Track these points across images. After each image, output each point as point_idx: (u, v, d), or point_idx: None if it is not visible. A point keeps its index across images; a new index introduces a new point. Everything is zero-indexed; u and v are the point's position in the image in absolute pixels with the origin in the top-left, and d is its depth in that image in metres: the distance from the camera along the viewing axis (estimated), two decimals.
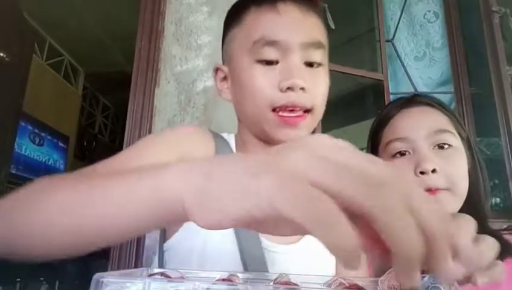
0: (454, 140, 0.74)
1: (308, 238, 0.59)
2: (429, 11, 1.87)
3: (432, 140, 0.73)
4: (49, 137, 4.28)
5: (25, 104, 2.84)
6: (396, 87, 1.87)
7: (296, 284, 0.25)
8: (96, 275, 0.22)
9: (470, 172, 0.75)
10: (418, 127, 0.75)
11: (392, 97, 1.78)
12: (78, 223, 0.31)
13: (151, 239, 1.35)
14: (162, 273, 0.23)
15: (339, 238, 0.20)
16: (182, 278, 0.23)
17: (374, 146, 0.83)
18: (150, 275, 0.24)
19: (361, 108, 2.27)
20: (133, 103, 1.53)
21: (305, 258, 0.60)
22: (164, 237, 0.60)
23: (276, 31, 0.58)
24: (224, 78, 0.67)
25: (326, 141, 0.24)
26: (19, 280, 3.39)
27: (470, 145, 0.78)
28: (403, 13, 1.90)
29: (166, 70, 1.58)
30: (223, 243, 0.55)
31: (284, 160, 0.23)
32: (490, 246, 0.28)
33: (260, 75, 0.58)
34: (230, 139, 0.69)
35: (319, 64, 0.61)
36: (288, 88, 0.56)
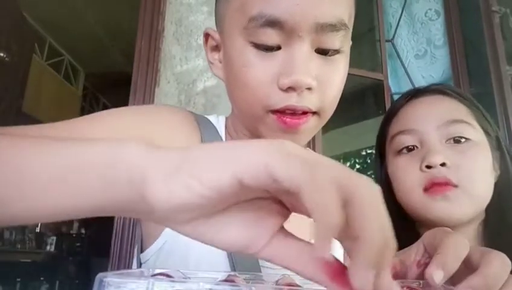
0: (474, 133, 0.62)
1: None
2: (430, 9, 1.87)
3: (444, 132, 0.62)
4: None
5: (25, 104, 2.84)
6: (397, 87, 1.87)
7: (299, 286, 0.25)
8: (99, 275, 0.22)
9: (501, 178, 0.63)
10: (427, 117, 0.64)
11: (393, 97, 1.78)
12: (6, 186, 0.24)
13: None
14: (163, 274, 0.23)
15: (327, 210, 0.19)
16: (185, 278, 0.23)
17: (381, 143, 0.73)
18: (153, 275, 0.24)
19: (362, 108, 2.27)
20: (133, 103, 1.53)
21: None
22: (141, 247, 0.51)
23: (278, 7, 0.42)
24: (216, 48, 0.53)
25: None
26: (19, 279, 3.39)
27: (500, 145, 0.65)
28: (404, 11, 1.90)
29: (166, 70, 1.58)
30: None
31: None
32: (502, 265, 0.28)
33: (255, 63, 0.44)
34: (220, 123, 0.57)
35: (336, 51, 0.46)
36: (290, 87, 0.43)
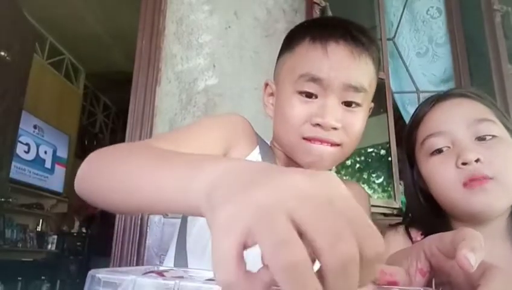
0: (498, 130, 0.67)
1: None
2: (432, 7, 1.85)
3: (472, 131, 0.66)
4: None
5: (26, 103, 2.85)
6: (398, 85, 1.86)
7: None
8: (91, 271, 0.23)
9: None
10: (454, 118, 0.68)
11: (394, 96, 1.78)
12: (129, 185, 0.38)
13: (153, 239, 1.35)
14: (155, 272, 0.23)
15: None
16: (178, 277, 0.23)
17: (409, 149, 0.78)
18: (145, 273, 0.23)
19: None
20: (134, 102, 1.53)
21: None
22: (186, 222, 0.67)
23: (321, 70, 0.62)
24: (271, 94, 0.73)
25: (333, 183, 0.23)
26: (20, 278, 3.40)
27: None
28: (406, 9, 1.89)
29: (167, 69, 1.58)
30: None
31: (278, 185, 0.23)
32: (504, 284, 0.27)
33: (297, 105, 0.64)
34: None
35: (358, 105, 0.65)
36: (319, 125, 0.62)
